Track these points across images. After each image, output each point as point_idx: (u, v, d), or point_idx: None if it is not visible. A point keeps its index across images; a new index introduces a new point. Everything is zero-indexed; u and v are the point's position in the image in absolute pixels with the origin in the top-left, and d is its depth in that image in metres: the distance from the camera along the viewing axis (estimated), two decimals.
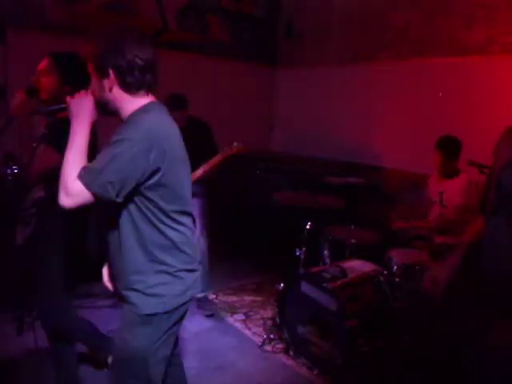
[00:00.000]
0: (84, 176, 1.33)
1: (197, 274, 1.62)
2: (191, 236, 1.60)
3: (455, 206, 3.01)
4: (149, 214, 1.44)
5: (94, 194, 1.33)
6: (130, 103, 1.46)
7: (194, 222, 1.64)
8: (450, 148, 3.08)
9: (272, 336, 3.02)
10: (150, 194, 1.42)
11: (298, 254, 3.08)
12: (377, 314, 2.70)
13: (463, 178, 3.06)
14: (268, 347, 2.95)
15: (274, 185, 4.72)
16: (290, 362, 2.82)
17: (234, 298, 3.69)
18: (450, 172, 3.13)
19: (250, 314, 3.43)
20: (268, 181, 4.85)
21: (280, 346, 2.96)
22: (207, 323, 3.25)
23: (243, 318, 3.37)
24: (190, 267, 1.57)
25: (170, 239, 1.49)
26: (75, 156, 1.39)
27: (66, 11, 3.85)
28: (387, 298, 2.74)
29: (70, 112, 1.45)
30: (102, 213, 1.52)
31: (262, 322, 3.29)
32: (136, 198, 1.42)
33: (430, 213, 3.29)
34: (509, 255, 1.58)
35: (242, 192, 4.76)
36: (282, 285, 2.94)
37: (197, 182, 3.10)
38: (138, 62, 1.41)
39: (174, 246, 1.51)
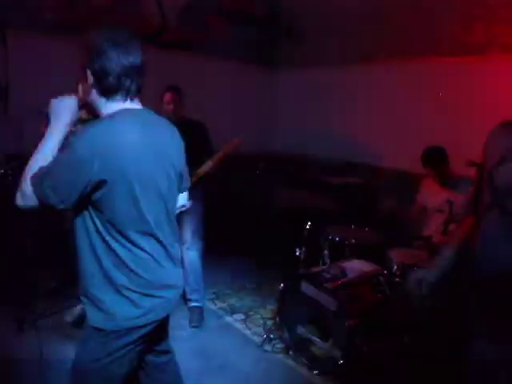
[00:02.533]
0: (32, 179, 1.31)
1: (159, 301, 1.49)
2: (151, 260, 1.47)
3: None
4: (100, 228, 1.38)
5: (38, 200, 1.30)
6: (105, 107, 1.42)
7: (164, 248, 1.51)
8: (436, 160, 3.08)
9: (272, 336, 3.02)
10: (101, 208, 1.35)
11: (297, 254, 3.08)
12: (377, 314, 2.70)
13: None
14: (268, 347, 2.96)
15: (274, 185, 4.72)
16: (289, 361, 2.82)
17: (234, 298, 3.69)
18: (448, 179, 3.10)
19: (250, 313, 3.44)
20: (268, 181, 4.85)
21: (280, 345, 2.96)
22: (207, 323, 3.25)
23: (243, 317, 3.37)
24: (146, 292, 1.45)
25: (120, 258, 1.40)
26: (41, 156, 1.36)
27: (66, 11, 3.85)
28: (387, 298, 2.74)
29: (50, 111, 1.44)
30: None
31: (261, 321, 3.29)
32: (89, 210, 1.38)
33: (430, 221, 3.22)
34: (503, 254, 1.58)
35: (241, 192, 4.75)
36: (282, 285, 2.94)
37: (197, 184, 3.09)
38: (115, 66, 1.36)
39: (126, 266, 1.41)
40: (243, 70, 5.37)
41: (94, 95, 1.42)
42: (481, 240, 1.66)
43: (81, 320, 3.01)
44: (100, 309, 1.43)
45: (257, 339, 3.05)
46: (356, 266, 2.91)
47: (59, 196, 1.29)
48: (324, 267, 2.93)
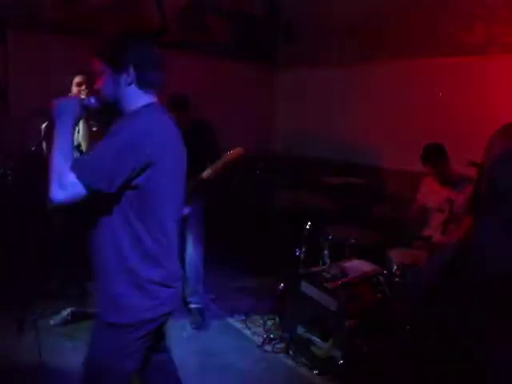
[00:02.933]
0: (76, 167, 1.34)
1: (173, 291, 1.56)
2: (174, 250, 1.56)
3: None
4: (133, 220, 1.42)
5: (86, 186, 1.32)
6: (138, 99, 1.49)
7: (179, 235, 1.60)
8: (436, 157, 3.05)
9: (272, 336, 3.02)
10: (144, 192, 1.40)
11: (297, 254, 3.08)
12: (377, 314, 2.70)
13: None
14: (268, 347, 2.95)
15: (274, 185, 4.72)
16: (290, 361, 2.82)
17: (234, 298, 3.69)
18: (448, 178, 3.08)
19: (250, 314, 3.43)
20: (268, 181, 4.85)
21: (280, 345, 2.96)
22: (205, 318, 3.25)
23: (243, 318, 3.37)
24: (165, 282, 1.51)
25: (149, 252, 1.45)
26: (64, 151, 1.38)
27: (66, 11, 3.85)
28: (387, 298, 2.74)
29: (54, 113, 1.45)
30: (87, 214, 1.51)
31: (261, 322, 3.29)
32: (124, 201, 1.41)
33: (430, 221, 3.20)
34: (502, 254, 1.58)
35: (241, 192, 4.75)
36: (282, 285, 2.94)
37: (198, 188, 3.08)
38: (154, 60, 1.50)
39: (154, 260, 1.47)
40: (243, 70, 5.37)
41: (131, 88, 1.48)
42: (480, 240, 1.66)
43: (63, 323, 3.04)
44: (117, 303, 1.47)
45: (257, 339, 3.05)
46: (356, 266, 2.91)
47: (109, 180, 1.33)
48: (324, 267, 2.93)
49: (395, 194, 4.17)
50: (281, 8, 5.59)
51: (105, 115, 2.60)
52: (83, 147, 2.81)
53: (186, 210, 3.08)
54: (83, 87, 2.85)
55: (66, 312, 3.08)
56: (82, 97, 2.74)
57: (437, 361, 2.43)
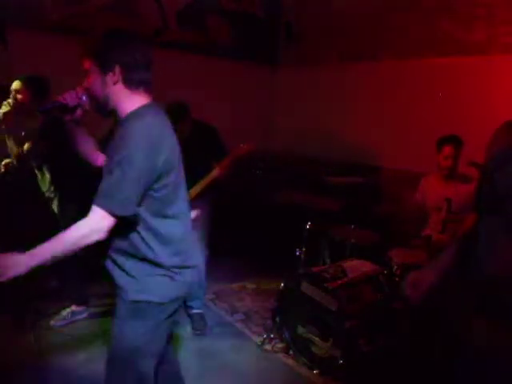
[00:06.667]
0: (100, 204, 1.38)
1: (192, 272, 1.65)
2: (188, 232, 1.66)
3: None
4: (154, 207, 1.48)
5: (116, 216, 1.38)
6: (129, 99, 1.50)
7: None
8: (459, 142, 2.99)
9: (272, 336, 3.02)
10: (156, 191, 1.47)
11: (297, 254, 3.08)
12: (377, 314, 2.70)
13: (475, 183, 2.92)
14: (268, 347, 2.95)
15: (274, 185, 4.72)
16: (290, 361, 2.82)
17: (234, 298, 3.69)
18: (452, 173, 3.03)
19: (250, 314, 3.43)
20: (268, 181, 4.85)
21: (280, 345, 2.96)
22: (207, 323, 3.25)
23: (243, 317, 3.37)
24: (184, 264, 1.60)
25: (164, 238, 1.53)
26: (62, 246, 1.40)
27: (66, 11, 3.85)
28: (387, 298, 2.74)
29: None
30: None
31: (261, 322, 3.29)
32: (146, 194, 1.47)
33: (429, 220, 3.19)
34: (503, 254, 1.58)
35: (241, 192, 4.75)
36: (282, 285, 2.94)
37: (204, 192, 3.06)
38: (141, 59, 1.49)
39: (168, 244, 1.55)
40: (243, 70, 5.37)
41: (118, 87, 1.49)
42: (481, 240, 1.65)
43: (63, 323, 3.03)
44: (143, 284, 1.53)
45: (257, 339, 3.05)
46: (356, 266, 2.91)
47: (135, 202, 1.41)
48: (324, 267, 2.93)
49: (395, 193, 4.17)
50: (281, 8, 5.60)
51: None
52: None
53: (193, 213, 3.07)
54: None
55: (65, 312, 3.08)
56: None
57: (437, 361, 2.43)
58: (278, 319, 2.98)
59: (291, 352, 2.85)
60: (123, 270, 1.55)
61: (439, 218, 2.98)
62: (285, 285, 2.92)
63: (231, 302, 3.61)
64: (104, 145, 1.71)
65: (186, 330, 3.12)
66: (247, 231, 4.51)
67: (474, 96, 3.67)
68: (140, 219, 1.48)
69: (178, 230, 1.58)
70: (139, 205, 1.44)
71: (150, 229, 1.50)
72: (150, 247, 1.51)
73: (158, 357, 1.64)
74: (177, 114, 2.95)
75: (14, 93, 2.81)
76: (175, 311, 1.64)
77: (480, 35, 3.68)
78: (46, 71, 2.96)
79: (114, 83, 1.48)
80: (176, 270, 1.56)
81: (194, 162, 3.09)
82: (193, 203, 3.04)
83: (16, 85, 2.82)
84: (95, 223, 1.38)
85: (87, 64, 1.50)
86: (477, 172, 2.73)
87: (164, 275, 1.54)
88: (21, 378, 2.50)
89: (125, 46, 1.48)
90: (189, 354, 2.82)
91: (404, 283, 1.91)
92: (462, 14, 3.79)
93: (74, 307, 3.09)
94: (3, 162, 3.05)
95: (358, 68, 4.69)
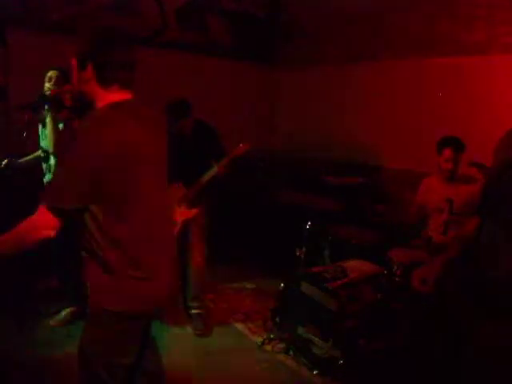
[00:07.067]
0: (48, 200, 1.40)
1: (154, 287, 1.56)
2: (154, 241, 1.57)
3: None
4: (107, 207, 1.46)
5: (55, 209, 1.39)
6: (101, 97, 1.53)
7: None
8: (460, 145, 2.96)
9: (272, 336, 3.02)
10: (109, 191, 1.44)
11: (297, 254, 3.08)
12: (377, 314, 2.70)
13: (476, 184, 2.85)
14: (268, 347, 2.95)
15: (274, 185, 4.72)
16: (289, 361, 2.82)
17: (234, 298, 3.69)
18: (453, 175, 3.01)
19: (250, 314, 3.43)
20: (268, 181, 4.85)
21: (280, 346, 2.96)
22: (207, 323, 3.24)
23: (243, 318, 3.37)
24: (141, 275, 1.51)
25: (125, 238, 1.48)
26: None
27: (66, 11, 3.85)
28: (387, 298, 2.74)
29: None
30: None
31: (261, 321, 3.29)
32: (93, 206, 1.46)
33: (429, 221, 3.18)
34: (505, 256, 1.58)
35: (242, 192, 4.75)
36: (282, 285, 2.94)
37: (203, 191, 3.07)
38: (115, 59, 1.51)
39: (129, 256, 1.49)
40: (243, 70, 5.37)
41: (92, 85, 1.53)
42: (484, 241, 1.66)
43: (64, 323, 3.04)
44: (102, 291, 1.52)
45: (257, 339, 3.05)
46: (356, 266, 2.91)
47: (75, 196, 1.40)
48: (324, 267, 2.93)
49: (395, 193, 4.17)
50: (281, 8, 5.59)
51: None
52: (49, 144, 2.79)
53: (193, 212, 3.08)
54: (52, 82, 2.87)
55: (65, 312, 3.08)
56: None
57: (437, 361, 2.43)
58: (277, 319, 2.98)
59: (291, 352, 2.85)
60: (88, 274, 1.55)
61: (441, 219, 2.95)
62: (285, 285, 2.92)
63: (231, 302, 3.61)
64: None
65: (186, 330, 3.12)
66: (247, 231, 4.51)
67: (474, 96, 3.67)
68: (94, 220, 1.46)
69: (136, 236, 1.50)
70: (92, 202, 1.43)
71: (104, 232, 1.46)
72: (105, 253, 1.47)
73: (125, 370, 1.60)
74: (178, 111, 2.98)
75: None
76: (143, 327, 1.59)
77: (480, 35, 3.68)
78: (45, 71, 2.96)
79: (88, 80, 1.52)
80: (133, 282, 1.50)
81: (194, 160, 3.11)
82: (192, 202, 3.08)
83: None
84: (37, 218, 1.41)
85: (73, 61, 1.56)
86: (478, 172, 2.73)
87: (121, 285, 1.50)
88: (21, 377, 2.50)
89: (100, 46, 1.50)
90: (189, 354, 2.82)
91: (413, 279, 1.91)
92: (462, 14, 3.79)
93: (73, 307, 3.09)
94: (3, 162, 3.06)
95: (358, 68, 4.68)
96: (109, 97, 1.52)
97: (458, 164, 3.00)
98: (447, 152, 2.98)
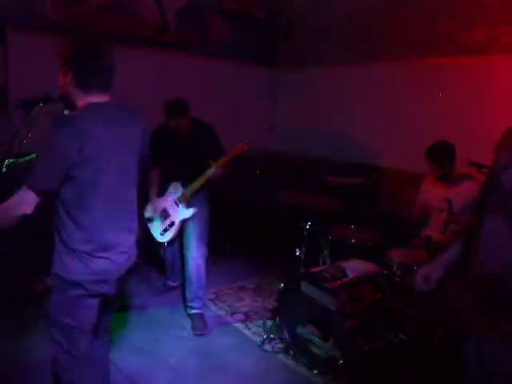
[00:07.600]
0: (26, 180, 1.62)
1: (107, 262, 1.78)
2: (113, 225, 1.80)
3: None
4: (73, 191, 1.68)
5: (34, 189, 1.62)
6: (80, 99, 1.75)
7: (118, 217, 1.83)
8: (440, 156, 2.99)
9: (272, 336, 3.02)
10: (75, 181, 1.67)
11: (297, 254, 3.08)
12: (377, 314, 2.70)
13: (476, 182, 2.87)
14: (268, 347, 2.95)
15: (274, 185, 4.72)
16: (289, 362, 2.82)
17: (234, 298, 3.69)
18: (449, 178, 3.03)
19: (250, 314, 3.43)
20: (268, 181, 4.84)
21: (280, 346, 2.96)
22: (207, 323, 3.25)
23: (243, 318, 3.37)
24: (95, 253, 1.74)
25: (84, 219, 1.72)
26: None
27: (66, 11, 3.85)
28: (387, 298, 2.74)
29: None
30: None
31: (261, 322, 3.29)
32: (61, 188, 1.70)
33: (430, 220, 3.19)
34: (506, 255, 1.58)
35: (241, 192, 4.75)
36: (282, 285, 2.94)
37: (201, 189, 3.07)
38: (91, 67, 1.72)
39: (82, 231, 1.72)
40: (243, 70, 5.37)
41: (73, 88, 1.74)
42: (484, 240, 1.65)
43: None
44: (60, 261, 1.76)
45: (257, 339, 3.05)
46: (356, 266, 2.90)
47: (51, 180, 1.64)
48: (324, 267, 2.93)
49: (395, 194, 4.17)
50: (281, 8, 5.60)
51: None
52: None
53: (191, 211, 3.09)
54: None
55: None
56: None
57: (437, 360, 2.43)
58: (277, 319, 2.98)
59: (291, 352, 2.85)
60: (54, 245, 1.78)
61: (441, 218, 2.96)
62: (285, 285, 2.92)
63: (231, 302, 3.61)
64: None
65: (186, 330, 3.12)
66: (247, 231, 4.51)
67: (474, 96, 3.68)
68: (62, 202, 1.70)
69: (96, 219, 1.74)
70: (61, 185, 1.66)
71: (68, 212, 1.70)
72: (65, 229, 1.72)
73: (85, 335, 1.83)
74: (175, 110, 2.98)
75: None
76: (99, 295, 1.80)
77: (480, 35, 3.68)
78: (45, 71, 2.96)
79: (69, 84, 1.73)
80: (86, 256, 1.73)
81: (191, 159, 3.11)
82: (190, 201, 3.08)
83: None
84: (19, 196, 1.63)
85: (58, 64, 1.75)
86: (476, 171, 2.73)
87: (74, 257, 1.73)
88: (21, 377, 2.50)
89: (78, 56, 1.71)
90: (189, 354, 2.82)
91: (416, 278, 1.91)
92: (462, 14, 3.80)
93: None
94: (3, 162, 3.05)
95: (358, 68, 4.69)
96: (87, 99, 1.74)
97: (446, 166, 3.01)
98: (427, 163, 3.05)
